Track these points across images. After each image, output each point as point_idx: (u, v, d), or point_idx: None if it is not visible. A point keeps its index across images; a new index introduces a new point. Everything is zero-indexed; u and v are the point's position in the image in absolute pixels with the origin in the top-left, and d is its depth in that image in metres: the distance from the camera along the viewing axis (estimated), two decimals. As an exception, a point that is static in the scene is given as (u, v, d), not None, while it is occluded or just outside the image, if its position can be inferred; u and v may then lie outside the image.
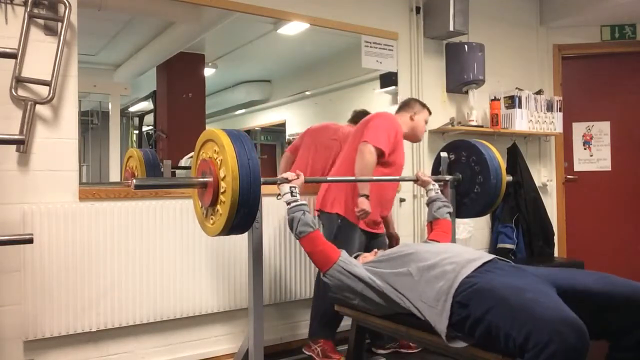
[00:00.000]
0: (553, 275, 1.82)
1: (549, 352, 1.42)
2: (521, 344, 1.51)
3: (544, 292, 1.63)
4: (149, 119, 3.63)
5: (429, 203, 2.65)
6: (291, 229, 2.15)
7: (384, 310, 2.10)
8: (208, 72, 3.76)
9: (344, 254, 2.15)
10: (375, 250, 2.43)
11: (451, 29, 3.61)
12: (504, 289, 1.67)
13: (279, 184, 2.22)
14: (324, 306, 2.71)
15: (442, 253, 2.00)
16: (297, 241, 2.18)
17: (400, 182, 3.53)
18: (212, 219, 2.07)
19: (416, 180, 2.78)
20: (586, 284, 1.77)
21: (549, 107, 4.16)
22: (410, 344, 2.95)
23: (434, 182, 2.73)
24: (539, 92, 4.16)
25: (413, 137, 3.02)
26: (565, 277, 1.81)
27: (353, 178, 2.87)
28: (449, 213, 2.59)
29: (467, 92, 3.88)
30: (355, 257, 2.33)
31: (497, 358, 1.70)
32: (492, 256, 1.97)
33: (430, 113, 3.03)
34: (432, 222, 2.59)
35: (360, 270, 2.10)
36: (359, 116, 3.15)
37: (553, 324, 1.45)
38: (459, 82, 3.84)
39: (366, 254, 2.39)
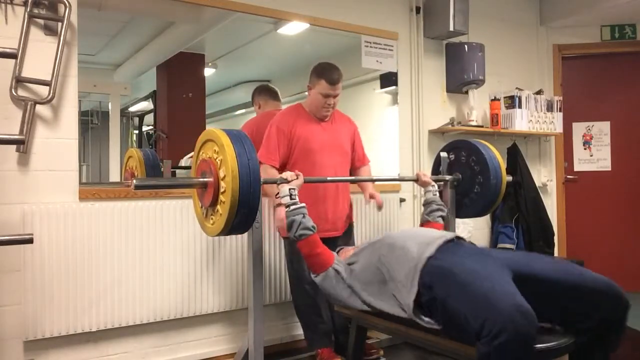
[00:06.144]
0: (513, 260, 1.90)
1: (502, 339, 1.51)
2: (477, 330, 1.59)
3: (499, 279, 1.71)
4: (149, 118, 3.63)
5: (425, 204, 2.68)
6: (289, 230, 2.16)
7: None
8: (208, 72, 3.76)
9: (337, 259, 2.18)
10: (355, 247, 2.45)
11: (451, 29, 3.61)
12: (463, 274, 1.75)
13: (279, 184, 2.22)
14: (304, 317, 2.69)
15: (410, 236, 2.08)
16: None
17: (401, 182, 3.53)
18: (212, 219, 2.07)
19: (416, 180, 2.79)
20: (542, 271, 1.85)
21: (549, 107, 4.16)
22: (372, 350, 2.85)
23: (433, 184, 2.74)
24: (539, 92, 4.16)
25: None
26: (525, 263, 1.90)
27: (353, 178, 2.87)
28: (442, 217, 2.62)
29: (467, 92, 3.88)
30: (337, 252, 2.33)
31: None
32: (453, 234, 2.07)
33: (329, 82, 2.62)
34: (424, 224, 2.62)
35: (350, 280, 2.12)
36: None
37: (506, 312, 1.54)
38: (459, 82, 3.84)
39: (348, 248, 2.42)
